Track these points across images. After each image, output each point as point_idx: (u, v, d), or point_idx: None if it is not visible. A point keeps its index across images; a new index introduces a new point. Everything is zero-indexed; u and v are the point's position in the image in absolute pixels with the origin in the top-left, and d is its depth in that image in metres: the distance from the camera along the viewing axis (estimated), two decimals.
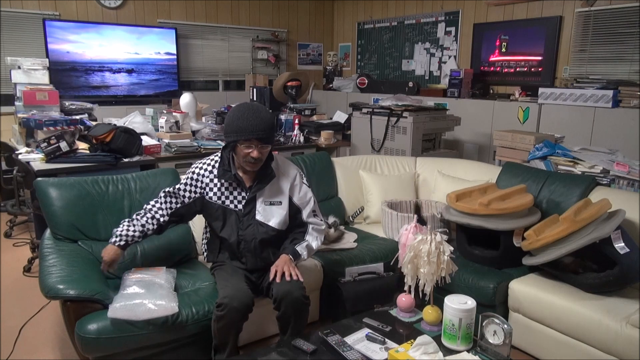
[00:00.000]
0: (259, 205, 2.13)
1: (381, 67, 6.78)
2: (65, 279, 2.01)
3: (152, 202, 2.17)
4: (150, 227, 2.13)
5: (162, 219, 2.15)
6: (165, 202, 2.16)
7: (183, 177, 2.21)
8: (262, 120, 2.01)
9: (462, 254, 2.66)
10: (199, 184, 2.15)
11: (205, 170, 2.16)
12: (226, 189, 2.13)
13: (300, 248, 2.11)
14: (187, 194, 2.16)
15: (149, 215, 2.13)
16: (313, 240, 2.17)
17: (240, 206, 2.14)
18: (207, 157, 2.21)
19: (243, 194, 2.14)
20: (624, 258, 2.15)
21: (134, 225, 2.10)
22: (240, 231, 2.13)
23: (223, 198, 2.14)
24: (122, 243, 2.08)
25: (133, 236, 2.09)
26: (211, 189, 2.14)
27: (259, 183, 2.12)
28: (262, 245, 2.13)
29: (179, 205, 2.16)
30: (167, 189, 2.18)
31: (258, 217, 2.13)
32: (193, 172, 2.17)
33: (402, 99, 4.34)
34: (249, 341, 2.37)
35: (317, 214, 2.24)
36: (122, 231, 2.09)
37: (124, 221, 2.13)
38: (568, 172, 2.98)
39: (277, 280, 1.98)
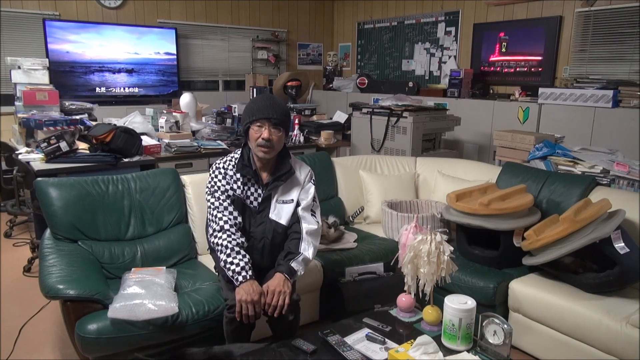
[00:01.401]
0: (273, 204, 2.12)
1: (381, 67, 6.78)
2: (65, 279, 2.01)
3: (219, 220, 2.04)
4: (241, 239, 2.03)
5: (237, 219, 2.07)
6: (224, 206, 2.06)
7: (209, 178, 2.14)
8: (274, 104, 2.04)
9: (462, 254, 2.66)
10: (226, 177, 2.11)
11: (229, 164, 2.13)
12: (245, 184, 2.12)
13: (296, 264, 2.01)
14: (227, 186, 2.10)
15: (232, 230, 2.02)
16: (308, 248, 2.07)
17: (255, 203, 2.12)
18: (227, 155, 2.19)
19: (260, 190, 2.13)
20: (624, 258, 2.15)
21: (235, 252, 1.96)
22: (251, 228, 2.11)
23: (244, 193, 2.12)
24: (251, 272, 1.94)
25: (249, 259, 1.98)
26: (235, 182, 2.12)
27: (276, 180, 2.10)
28: (271, 245, 2.12)
29: (230, 199, 2.09)
30: (210, 200, 2.08)
31: (272, 215, 2.11)
32: (218, 168, 2.13)
33: (402, 99, 4.33)
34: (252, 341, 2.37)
35: (315, 214, 2.19)
36: (238, 266, 1.93)
37: (229, 255, 1.95)
38: (568, 172, 2.98)
39: (270, 313, 1.92)
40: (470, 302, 1.76)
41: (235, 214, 2.08)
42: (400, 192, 3.26)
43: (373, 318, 1.97)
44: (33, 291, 2.87)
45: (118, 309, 1.91)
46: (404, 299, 2.00)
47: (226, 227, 2.02)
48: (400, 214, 2.89)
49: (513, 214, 2.50)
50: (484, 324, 1.74)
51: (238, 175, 2.11)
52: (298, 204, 2.15)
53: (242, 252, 1.99)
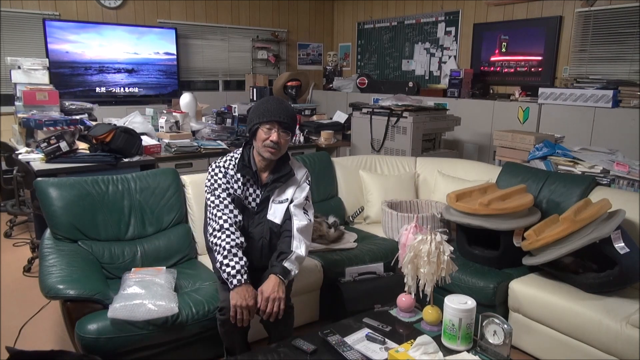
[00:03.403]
0: (270, 204, 2.12)
1: (381, 67, 6.78)
2: (65, 279, 2.02)
3: (219, 219, 2.01)
4: (240, 239, 1.99)
5: (238, 218, 2.05)
6: (225, 204, 2.04)
7: (209, 176, 2.11)
8: (286, 108, 2.06)
9: (462, 254, 2.66)
10: (227, 176, 2.10)
11: (229, 164, 2.12)
12: (244, 184, 2.11)
13: (289, 264, 1.98)
14: (227, 184, 2.09)
15: (231, 230, 1.98)
16: (300, 245, 2.05)
17: (254, 204, 2.12)
18: (226, 155, 2.18)
19: (258, 191, 2.13)
20: (624, 258, 2.15)
21: (232, 254, 1.93)
22: (250, 228, 2.10)
23: (243, 193, 2.11)
24: (246, 276, 1.91)
25: (246, 262, 1.95)
26: (235, 182, 2.11)
27: (275, 181, 2.11)
28: (270, 245, 2.11)
29: (231, 197, 2.07)
30: (210, 198, 2.06)
31: (269, 216, 2.11)
32: (219, 166, 2.11)
33: (402, 99, 4.33)
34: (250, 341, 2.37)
35: (307, 212, 2.16)
36: (234, 269, 1.90)
37: (226, 257, 1.92)
38: (568, 172, 2.98)
39: (265, 318, 1.92)
40: (470, 302, 1.76)
41: (236, 212, 2.06)
42: (400, 192, 3.26)
43: (373, 318, 1.97)
44: (33, 291, 2.87)
45: (118, 309, 1.91)
46: (404, 299, 1.99)
47: (226, 226, 1.99)
48: (400, 214, 2.89)
49: (513, 214, 2.50)
50: (484, 324, 1.73)
51: (238, 175, 2.11)
52: (291, 202, 2.14)
53: (240, 254, 1.95)
